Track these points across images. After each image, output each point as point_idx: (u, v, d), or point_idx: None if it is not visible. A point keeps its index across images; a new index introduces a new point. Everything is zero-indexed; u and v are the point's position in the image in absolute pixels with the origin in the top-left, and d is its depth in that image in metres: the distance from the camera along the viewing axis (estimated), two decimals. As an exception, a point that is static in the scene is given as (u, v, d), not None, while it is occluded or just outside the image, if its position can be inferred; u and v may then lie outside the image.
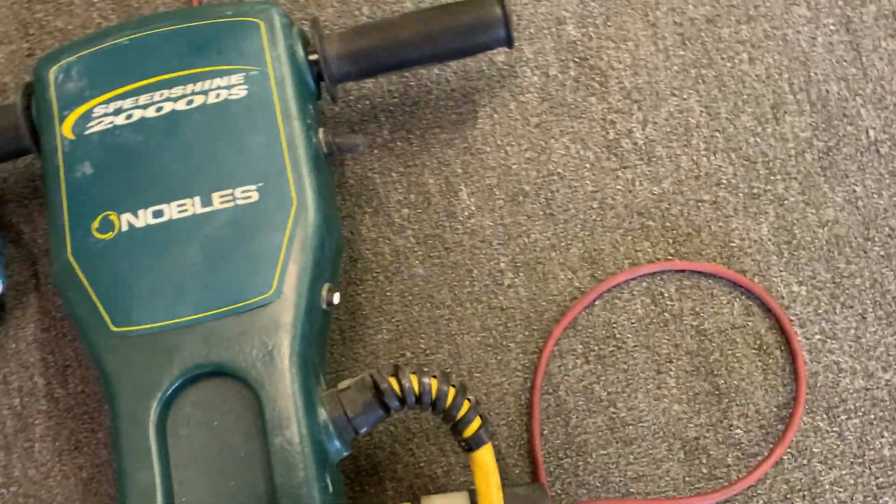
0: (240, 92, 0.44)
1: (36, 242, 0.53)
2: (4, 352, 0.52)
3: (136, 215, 0.43)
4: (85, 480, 0.50)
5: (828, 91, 0.54)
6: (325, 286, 0.44)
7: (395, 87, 0.55)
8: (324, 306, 0.44)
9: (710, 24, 0.55)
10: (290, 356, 0.41)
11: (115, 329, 0.41)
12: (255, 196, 0.43)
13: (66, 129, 0.45)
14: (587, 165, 0.53)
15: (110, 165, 0.44)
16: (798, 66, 0.54)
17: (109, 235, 0.43)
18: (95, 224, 0.43)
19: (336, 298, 0.44)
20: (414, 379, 0.42)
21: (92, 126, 0.44)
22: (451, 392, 0.42)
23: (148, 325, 0.41)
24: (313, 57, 0.47)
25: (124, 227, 0.43)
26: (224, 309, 0.41)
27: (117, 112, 0.45)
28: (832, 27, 0.55)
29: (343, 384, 0.43)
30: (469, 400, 0.43)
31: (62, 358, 0.52)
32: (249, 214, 0.43)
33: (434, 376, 0.43)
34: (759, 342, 0.50)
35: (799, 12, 0.55)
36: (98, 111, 0.45)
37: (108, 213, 0.43)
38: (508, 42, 0.49)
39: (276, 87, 0.45)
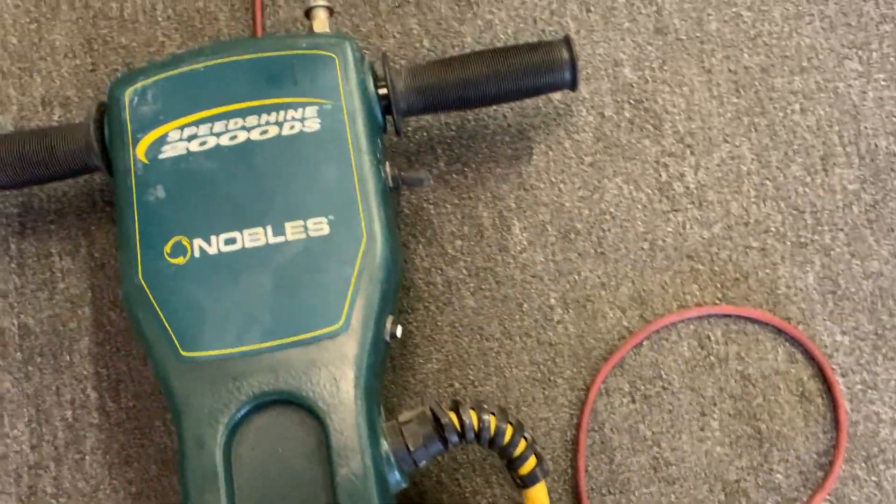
0: (313, 125, 0.45)
1: (93, 256, 0.54)
2: (58, 364, 0.52)
3: (208, 241, 0.44)
4: (134, 495, 0.51)
5: (877, 145, 0.55)
6: (389, 318, 0.45)
7: (453, 119, 0.56)
8: (387, 338, 0.44)
9: (765, 73, 0.56)
10: (356, 387, 0.42)
11: (184, 354, 0.42)
12: (326, 228, 0.44)
13: (140, 153, 0.45)
14: (639, 206, 0.54)
15: (183, 190, 0.45)
16: (848, 119, 0.55)
17: (181, 260, 0.43)
18: (167, 248, 0.44)
19: (399, 331, 0.45)
20: (473, 415, 0.43)
21: (166, 151, 0.45)
22: (509, 430, 0.43)
23: (217, 352, 0.42)
24: (382, 91, 0.48)
25: (196, 253, 0.43)
26: (293, 339, 0.42)
27: (191, 138, 0.45)
28: (883, 82, 0.56)
29: (403, 417, 0.44)
30: (525, 438, 0.44)
31: (115, 372, 0.52)
32: (320, 246, 0.43)
33: (493, 413, 0.44)
34: (801, 389, 0.52)
35: (851, 66, 0.56)
36: (172, 136, 0.45)
37: (181, 237, 0.44)
38: (573, 85, 0.50)
39: (348, 120, 0.46)
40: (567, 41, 0.49)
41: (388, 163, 0.48)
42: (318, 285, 0.43)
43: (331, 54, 0.47)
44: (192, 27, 0.58)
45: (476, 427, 0.43)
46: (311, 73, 0.46)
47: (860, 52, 0.56)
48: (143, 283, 0.43)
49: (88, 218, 0.54)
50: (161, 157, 0.45)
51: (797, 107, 0.56)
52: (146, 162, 0.45)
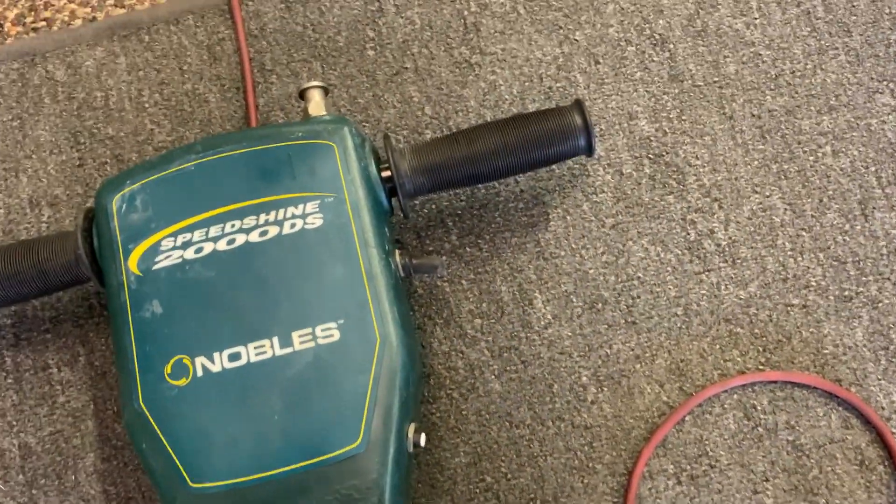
0: (315, 220, 0.42)
1: (93, 365, 0.51)
2: (63, 484, 0.49)
3: (211, 359, 0.40)
4: None
5: (918, 184, 0.51)
6: (412, 427, 0.41)
7: (462, 189, 0.53)
8: (410, 449, 0.41)
9: (790, 115, 0.53)
10: (382, 511, 0.38)
11: (193, 485, 0.39)
12: (336, 334, 0.40)
13: (133, 264, 0.42)
14: (669, 269, 0.51)
15: (181, 304, 0.41)
16: (885, 158, 0.52)
17: (183, 382, 0.40)
18: (168, 369, 0.41)
19: (423, 440, 0.41)
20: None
21: (160, 261, 0.42)
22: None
23: (229, 482, 0.39)
24: (386, 174, 0.45)
25: (199, 373, 0.40)
26: (308, 462, 0.39)
27: (186, 245, 0.42)
28: (918, 116, 0.52)
29: (435, 534, 0.40)
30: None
31: (125, 489, 0.49)
32: (331, 355, 0.40)
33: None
34: (860, 457, 0.48)
35: (882, 100, 0.53)
36: (166, 244, 0.42)
37: (182, 356, 0.41)
38: (590, 151, 0.46)
39: (352, 212, 0.42)
40: (579, 105, 0.46)
41: (397, 252, 0.45)
42: (332, 400, 0.39)
43: (329, 142, 0.44)
44: (182, 112, 0.55)
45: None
46: (309, 164, 0.43)
47: (891, 85, 0.53)
48: (143, 409, 0.40)
49: (85, 324, 0.51)
50: (155, 267, 0.42)
51: (828, 149, 0.52)
52: (139, 274, 0.42)
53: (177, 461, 0.39)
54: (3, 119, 0.55)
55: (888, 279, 0.50)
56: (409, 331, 0.42)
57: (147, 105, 0.55)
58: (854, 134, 0.52)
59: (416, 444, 0.41)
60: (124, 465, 0.49)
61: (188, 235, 0.42)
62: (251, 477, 0.39)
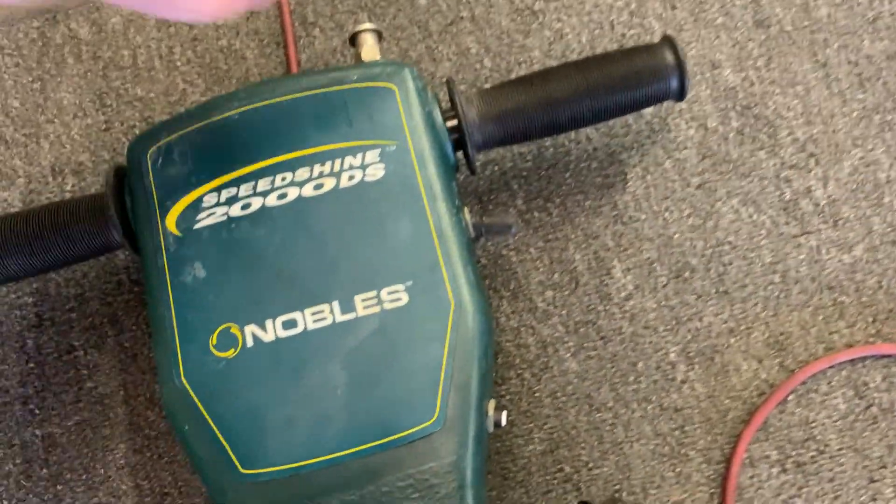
0: (377, 172, 0.37)
1: (122, 346, 0.46)
2: (91, 479, 0.44)
3: (262, 327, 0.35)
4: None
5: None
6: (491, 403, 0.36)
7: (528, 148, 0.48)
8: (490, 429, 0.36)
9: (891, 60, 0.47)
10: (464, 498, 0.33)
11: (244, 472, 0.34)
12: (404, 298, 0.35)
13: (171, 224, 0.37)
14: (762, 232, 0.45)
15: (227, 266, 0.36)
16: None
17: (231, 353, 0.35)
18: (213, 339, 0.35)
19: (504, 418, 0.36)
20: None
21: (202, 219, 0.37)
22: (659, 534, 0.34)
23: (285, 467, 0.33)
24: (452, 123, 0.40)
25: (249, 343, 0.35)
26: (377, 443, 0.33)
27: (231, 201, 0.37)
28: None
29: (522, 527, 0.35)
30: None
31: (159, 484, 0.44)
32: (400, 321, 0.35)
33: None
34: None
35: None
36: (208, 200, 0.37)
37: (229, 324, 0.36)
38: (682, 94, 0.41)
39: (417, 162, 0.37)
40: (670, 42, 0.41)
41: (466, 209, 0.39)
42: (402, 372, 0.34)
43: (389, 85, 0.38)
44: (217, 70, 0.50)
45: (616, 535, 0.34)
46: (367, 109, 0.38)
47: None
48: (186, 385, 0.35)
49: (114, 302, 0.47)
50: (197, 227, 0.37)
51: (937, 97, 0.47)
52: (179, 235, 0.37)
53: (225, 445, 0.34)
54: (23, 81, 0.51)
55: None
56: (484, 296, 0.37)
57: (179, 63, 0.50)
58: (965, 80, 0.47)
59: (498, 424, 0.36)
60: (158, 458, 0.44)
61: (233, 190, 0.37)
62: (311, 461, 0.33)
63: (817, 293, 0.44)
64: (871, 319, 0.44)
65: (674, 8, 0.49)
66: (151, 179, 0.38)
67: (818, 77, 0.47)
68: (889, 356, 0.43)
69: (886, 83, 0.47)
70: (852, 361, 0.43)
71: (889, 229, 0.45)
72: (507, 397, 0.44)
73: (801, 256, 0.45)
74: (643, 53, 0.40)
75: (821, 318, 0.44)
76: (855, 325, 0.44)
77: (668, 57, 0.40)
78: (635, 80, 0.40)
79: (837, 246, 0.45)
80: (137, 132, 0.48)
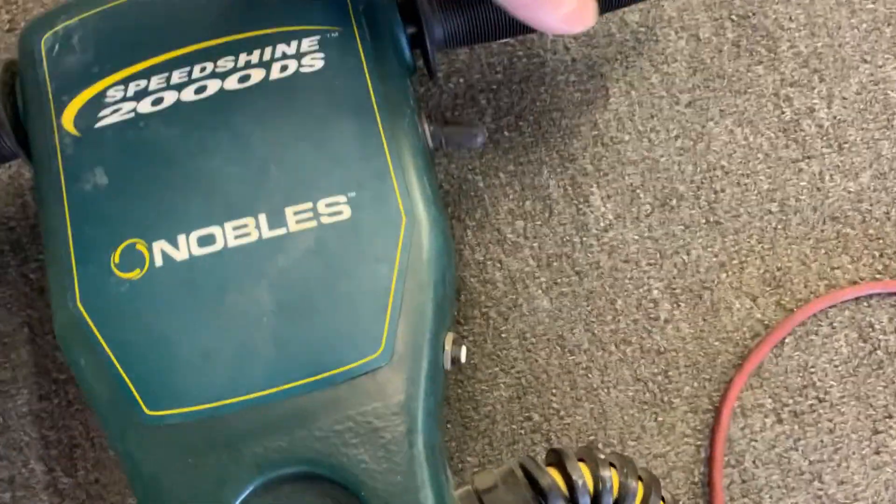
0: (315, 62, 0.31)
1: (28, 278, 0.40)
2: (-12, 429, 0.38)
3: (174, 244, 0.29)
4: None
5: None
6: (449, 337, 0.31)
7: (497, 58, 0.42)
8: (447, 366, 0.30)
9: (906, -33, 0.42)
10: (413, 445, 0.28)
11: (150, 413, 0.28)
12: (346, 211, 0.30)
13: (68, 122, 0.31)
14: (759, 156, 0.40)
15: (134, 172, 0.30)
16: None
17: (137, 274, 0.29)
18: (115, 257, 0.30)
19: (463, 354, 0.31)
20: (585, 470, 0.29)
21: (105, 116, 0.31)
22: (640, 490, 0.29)
23: (198, 407, 0.28)
24: (408, 13, 0.34)
25: (158, 261, 0.29)
26: (310, 380, 0.28)
27: (140, 95, 0.31)
28: None
29: (482, 480, 0.29)
30: (664, 500, 0.30)
31: (67, 436, 0.38)
32: (340, 238, 0.29)
33: (612, 464, 0.30)
34: None
35: None
36: (113, 94, 0.31)
37: (135, 240, 0.30)
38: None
39: (364, 53, 0.31)
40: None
41: (423, 114, 0.34)
42: (342, 296, 0.29)
43: (333, -38, 0.32)
44: (141, -36, 0.43)
45: (592, 489, 0.29)
46: (306, -10, 0.32)
47: None
48: (82, 310, 0.29)
49: (17, 227, 0.40)
50: (99, 125, 0.31)
51: (955, 9, 0.42)
52: (77, 134, 0.31)
53: (128, 381, 0.28)
54: (-87, -27, 0.44)
55: None
56: (442, 212, 0.31)
57: (97, -44, 0.44)
58: None
59: (456, 360, 0.30)
60: (68, 405, 0.38)
61: (143, 82, 0.31)
62: (231, 401, 0.28)
63: (819, 224, 0.40)
64: (877, 254, 0.39)
65: None
66: (45, 70, 0.32)
67: (824, -16, 0.42)
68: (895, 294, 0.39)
69: (899, -8, 0.42)
70: (857, 300, 0.39)
71: (899, 154, 0.40)
72: (471, 338, 0.39)
73: (802, 183, 0.40)
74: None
75: (822, 251, 0.39)
76: (860, 259, 0.39)
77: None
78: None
79: (842, 172, 0.40)
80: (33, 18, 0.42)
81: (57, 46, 0.32)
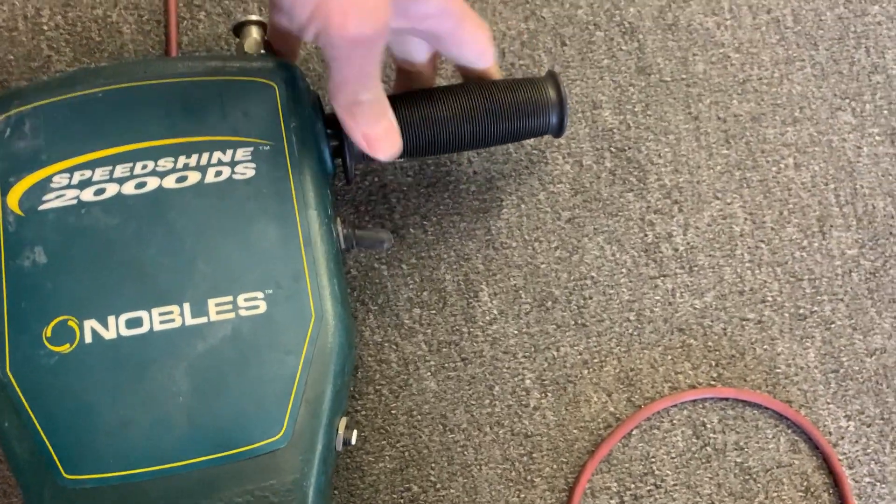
0: (247, 171, 0.36)
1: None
2: None
3: (104, 323, 0.33)
4: None
5: (874, 206, 0.50)
6: (342, 421, 0.35)
7: (410, 164, 0.47)
8: (339, 448, 0.35)
9: (755, 122, 0.50)
10: (302, 518, 0.32)
11: (68, 476, 0.31)
12: (262, 306, 0.34)
13: (13, 202, 0.34)
14: (623, 270, 0.47)
15: (72, 254, 0.34)
16: (844, 177, 0.50)
17: (66, 348, 0.33)
18: (47, 331, 0.33)
19: (354, 437, 0.35)
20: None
21: (49, 200, 0.34)
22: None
23: (113, 474, 0.31)
24: (332, 129, 0.39)
25: (87, 338, 0.33)
26: (218, 455, 0.32)
27: (84, 184, 0.35)
28: (878, 137, 0.51)
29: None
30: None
31: (-29, 481, 0.40)
32: (255, 330, 0.34)
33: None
34: (805, 483, 0.45)
35: (844, 118, 0.51)
36: (58, 181, 0.35)
37: (67, 317, 0.33)
38: (560, 130, 0.42)
39: (291, 166, 0.36)
40: (553, 78, 0.42)
41: (339, 219, 0.39)
42: (252, 383, 0.33)
43: (270, 82, 0.37)
44: (89, 40, 0.47)
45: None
46: (244, 105, 0.37)
47: (853, 104, 0.52)
48: (10, 377, 0.32)
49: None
50: (42, 207, 0.34)
51: (791, 161, 0.50)
52: (21, 214, 0.34)
53: (48, 445, 0.31)
54: None
55: (841, 300, 0.48)
56: (348, 310, 0.36)
57: (46, 27, 0.47)
58: (816, 149, 0.51)
59: (347, 442, 0.35)
60: (-25, 452, 0.40)
61: (87, 173, 0.35)
62: (143, 469, 0.31)
63: (668, 334, 0.47)
64: (713, 363, 0.46)
65: (563, 44, 0.50)
66: (-4, 151, 0.35)
67: (689, 129, 0.50)
68: (726, 399, 0.46)
69: (749, 143, 0.50)
70: (693, 402, 0.46)
71: (738, 280, 0.48)
72: (363, 412, 0.44)
73: (657, 297, 0.47)
74: (528, 86, 0.41)
75: (669, 357, 0.46)
76: (699, 367, 0.46)
77: (551, 93, 0.41)
78: (517, 110, 0.41)
79: (691, 291, 0.47)
80: (-11, 96, 0.44)
81: (9, 130, 0.35)
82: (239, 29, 0.41)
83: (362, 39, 0.32)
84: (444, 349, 0.45)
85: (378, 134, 0.37)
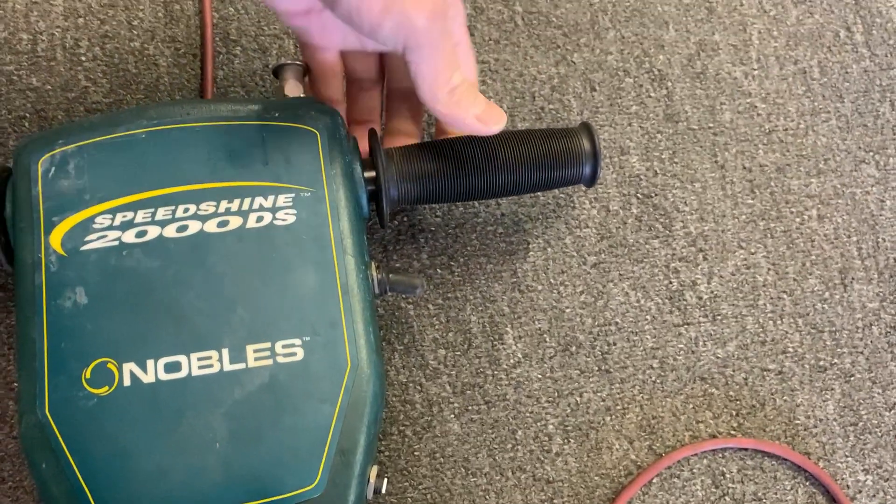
0: (287, 217, 0.36)
1: (-24, 356, 0.42)
2: (-82, 499, 0.40)
3: (143, 367, 0.33)
4: None
5: (895, 260, 0.50)
6: (374, 470, 0.35)
7: (438, 204, 0.48)
8: (370, 496, 0.35)
9: (780, 173, 0.51)
10: (333, 568, 0.32)
11: (103, 521, 0.31)
12: (299, 353, 0.34)
13: (55, 241, 0.35)
14: (648, 317, 0.48)
15: (113, 295, 0.34)
16: (867, 230, 0.51)
17: (105, 391, 0.33)
18: (87, 373, 0.33)
19: (384, 486, 0.36)
20: None
21: (91, 240, 0.35)
22: None
23: (149, 519, 0.32)
24: (370, 174, 0.40)
25: (126, 381, 0.33)
26: (251, 503, 0.32)
27: (126, 226, 0.35)
28: (900, 191, 0.52)
29: None
30: None
31: (-3, 512, 0.40)
32: (292, 377, 0.34)
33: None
34: (823, 536, 0.46)
35: (868, 171, 0.52)
36: (101, 221, 0.35)
37: (106, 359, 0.33)
38: (593, 180, 0.43)
39: (331, 213, 0.37)
40: (587, 129, 0.42)
41: (374, 264, 0.39)
42: (288, 431, 0.33)
43: (312, 129, 0.38)
44: (125, 72, 0.47)
45: None
46: (286, 151, 0.37)
47: (877, 157, 0.52)
48: (49, 419, 0.32)
49: (-27, 305, 0.43)
50: (84, 248, 0.35)
51: (814, 212, 0.51)
52: (63, 254, 0.35)
53: (86, 489, 0.32)
54: None
55: (861, 353, 0.49)
56: (381, 358, 0.37)
57: (84, 58, 0.47)
58: (839, 201, 0.51)
59: (378, 491, 0.35)
60: (1, 482, 0.41)
61: (130, 214, 0.35)
62: (179, 516, 0.32)
63: (690, 382, 0.47)
64: (734, 413, 0.47)
65: (593, 90, 0.51)
66: (40, 190, 0.35)
67: (715, 177, 0.50)
68: (746, 449, 0.46)
69: (773, 193, 0.51)
70: (714, 451, 0.46)
71: (760, 330, 0.48)
72: (386, 453, 0.44)
73: (680, 346, 0.47)
74: (563, 137, 0.42)
75: (691, 406, 0.47)
76: (720, 416, 0.47)
77: (586, 144, 0.42)
78: (552, 161, 0.41)
79: (714, 340, 0.48)
80: (27, 125, 0.45)
81: (53, 169, 0.36)
82: (278, 71, 0.42)
83: (440, 10, 0.33)
84: (469, 391, 0.45)
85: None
